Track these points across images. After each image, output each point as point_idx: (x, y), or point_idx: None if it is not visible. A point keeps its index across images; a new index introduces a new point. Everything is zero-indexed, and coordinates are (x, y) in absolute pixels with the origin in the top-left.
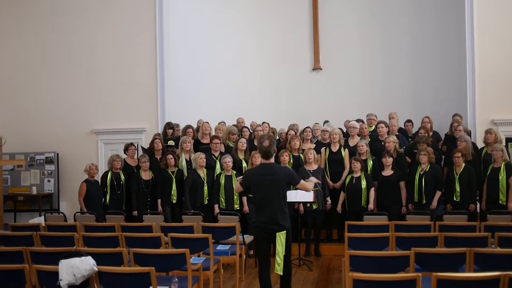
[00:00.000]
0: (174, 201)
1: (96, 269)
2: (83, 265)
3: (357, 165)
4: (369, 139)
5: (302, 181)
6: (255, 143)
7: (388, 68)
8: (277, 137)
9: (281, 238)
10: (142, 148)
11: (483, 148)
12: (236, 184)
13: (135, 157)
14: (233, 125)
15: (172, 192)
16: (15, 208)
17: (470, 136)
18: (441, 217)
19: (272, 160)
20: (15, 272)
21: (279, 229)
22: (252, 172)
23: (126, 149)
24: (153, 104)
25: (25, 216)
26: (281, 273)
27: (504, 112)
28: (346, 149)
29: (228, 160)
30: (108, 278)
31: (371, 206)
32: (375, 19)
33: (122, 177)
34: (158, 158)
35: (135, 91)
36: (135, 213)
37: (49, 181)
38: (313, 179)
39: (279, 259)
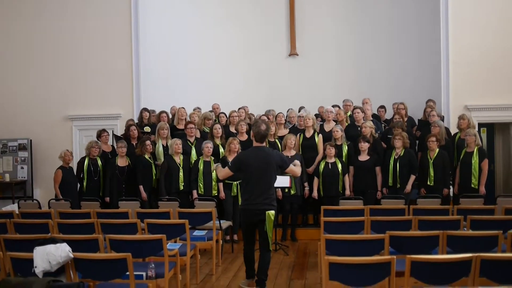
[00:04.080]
0: (155, 187)
1: (71, 255)
2: (58, 252)
3: (332, 151)
4: (347, 124)
5: (291, 165)
6: (231, 129)
7: (364, 54)
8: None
9: (271, 216)
10: (115, 135)
11: (456, 133)
12: (223, 170)
13: (109, 143)
14: (209, 111)
15: (153, 178)
16: None
17: (443, 122)
18: (415, 201)
19: (264, 144)
20: None
21: (270, 208)
22: (246, 156)
23: (99, 136)
24: (128, 90)
25: None
26: (270, 250)
27: (477, 98)
28: (320, 135)
29: (210, 146)
30: (84, 265)
31: (347, 192)
32: (352, 5)
33: (100, 163)
34: (134, 144)
35: (110, 77)
36: (107, 199)
37: (22, 168)
38: (297, 163)
39: (269, 237)
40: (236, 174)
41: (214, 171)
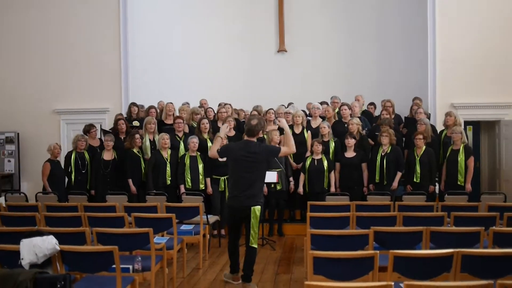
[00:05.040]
0: (144, 180)
1: (58, 248)
2: (45, 244)
3: (319, 147)
4: (334, 120)
5: (283, 149)
6: (219, 125)
7: (352, 51)
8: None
9: (256, 212)
10: (103, 130)
11: (442, 130)
12: (214, 147)
13: (97, 138)
14: (198, 107)
15: (143, 172)
16: None
17: (430, 119)
18: (401, 197)
19: (255, 139)
20: None
21: (255, 204)
22: (233, 147)
23: (87, 131)
24: (117, 84)
25: None
26: (256, 246)
27: (463, 96)
28: (309, 131)
29: (195, 141)
30: (70, 257)
31: (332, 188)
32: (340, 2)
33: (87, 157)
34: (122, 138)
35: (98, 71)
36: (93, 192)
37: (9, 161)
38: (283, 121)
39: (254, 232)
40: (222, 158)
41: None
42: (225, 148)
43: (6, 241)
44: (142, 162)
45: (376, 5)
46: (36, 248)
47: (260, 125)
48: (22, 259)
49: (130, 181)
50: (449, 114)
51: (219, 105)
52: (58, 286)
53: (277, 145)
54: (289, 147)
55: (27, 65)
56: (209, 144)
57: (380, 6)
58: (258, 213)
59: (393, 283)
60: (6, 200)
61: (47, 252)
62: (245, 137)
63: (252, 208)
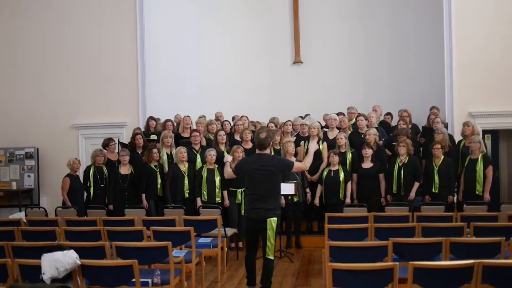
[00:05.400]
0: (160, 195)
1: (79, 262)
2: (65, 259)
3: (335, 159)
4: (350, 132)
5: (296, 163)
6: (235, 137)
7: (368, 61)
8: None
9: (272, 224)
10: (121, 143)
11: (461, 140)
12: (227, 169)
13: (116, 152)
14: (213, 119)
15: (158, 186)
16: None
17: (447, 129)
18: (419, 208)
19: (267, 151)
20: None
21: (271, 216)
22: (247, 162)
23: (106, 145)
24: (134, 98)
25: (4, 212)
26: (273, 258)
27: (480, 104)
28: (325, 143)
29: (213, 153)
30: (91, 271)
31: (348, 199)
32: (355, 12)
33: (105, 171)
34: (139, 152)
35: (116, 85)
36: (111, 207)
37: (29, 176)
38: (313, 144)
39: (270, 244)
40: (238, 176)
41: (218, 177)
42: (239, 164)
43: (28, 256)
44: (159, 177)
45: (392, 15)
46: (57, 262)
47: (270, 137)
48: (44, 273)
49: (143, 196)
50: (466, 124)
51: (233, 118)
52: None
53: (293, 157)
54: (304, 163)
55: (45, 81)
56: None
57: (395, 16)
58: (274, 225)
59: None
60: (26, 215)
61: (68, 266)
62: (257, 151)
63: (268, 220)
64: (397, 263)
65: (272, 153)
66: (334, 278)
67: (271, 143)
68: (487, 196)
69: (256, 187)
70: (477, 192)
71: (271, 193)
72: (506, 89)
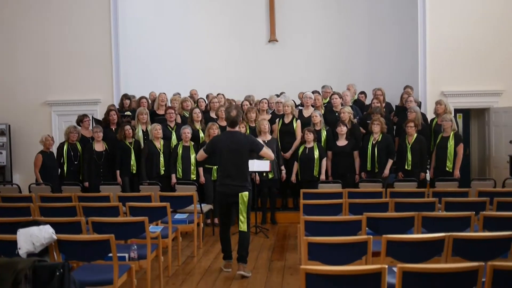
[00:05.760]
0: (134, 172)
1: (55, 237)
2: (41, 234)
3: (310, 136)
4: (323, 110)
5: (264, 149)
6: (211, 115)
7: (343, 40)
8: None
9: (243, 198)
10: (95, 119)
11: (433, 119)
12: (200, 151)
13: (90, 128)
14: (188, 96)
15: (132, 163)
16: None
17: (420, 108)
18: (392, 184)
19: (237, 128)
20: None
21: (242, 190)
22: (219, 139)
23: (80, 121)
24: (108, 76)
25: None
26: (246, 230)
27: (453, 84)
28: (298, 120)
29: (187, 131)
30: (67, 246)
31: (322, 176)
32: None
33: (79, 148)
34: (113, 129)
35: (89, 62)
36: (86, 184)
37: (1, 153)
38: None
39: (243, 217)
40: (211, 156)
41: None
42: (210, 144)
43: (3, 231)
44: (133, 154)
45: None
46: (33, 237)
47: (240, 114)
48: (19, 248)
49: (117, 172)
50: (439, 103)
51: (207, 96)
52: (57, 273)
53: (268, 134)
54: (269, 155)
55: (18, 57)
56: (201, 134)
57: None
58: (246, 199)
59: (386, 266)
60: None
61: (44, 241)
62: (228, 128)
63: (240, 194)
64: (371, 236)
65: (247, 131)
66: (310, 251)
67: (241, 120)
68: (457, 173)
69: (227, 164)
70: (447, 169)
71: (241, 170)
72: (477, 69)
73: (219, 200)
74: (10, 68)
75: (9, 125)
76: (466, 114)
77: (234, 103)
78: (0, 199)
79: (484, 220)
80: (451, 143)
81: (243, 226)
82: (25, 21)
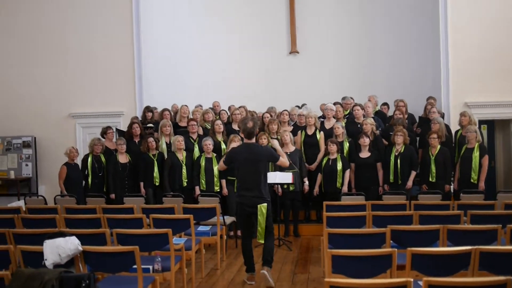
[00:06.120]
0: (157, 184)
1: (80, 248)
2: (67, 245)
3: (333, 147)
4: (344, 122)
5: (281, 158)
6: (233, 127)
7: (364, 52)
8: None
9: (262, 209)
10: (119, 130)
11: (458, 130)
12: (220, 162)
13: (114, 140)
14: (209, 108)
15: (154, 175)
16: None
17: (444, 119)
18: (416, 197)
19: (254, 140)
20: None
21: (261, 202)
22: (237, 151)
23: (104, 133)
24: (131, 88)
25: (3, 201)
26: (263, 241)
27: (477, 95)
28: (322, 132)
29: (209, 142)
30: (93, 257)
31: (345, 188)
32: (352, 3)
33: (103, 160)
34: (136, 141)
35: (112, 75)
36: (113, 196)
37: (27, 165)
38: (275, 141)
39: (261, 229)
40: (229, 167)
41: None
42: (229, 155)
43: (29, 243)
44: (156, 166)
45: (388, 5)
46: (59, 248)
47: (257, 125)
48: (46, 259)
49: (141, 184)
50: (463, 114)
51: (229, 108)
52: (83, 285)
53: (290, 145)
54: (285, 163)
55: (43, 70)
56: (223, 146)
57: (393, 5)
58: (264, 211)
59: (412, 280)
60: (25, 203)
61: (70, 252)
62: (245, 140)
63: (258, 206)
64: (396, 249)
65: (269, 142)
66: (334, 264)
67: (257, 131)
68: (482, 185)
69: (245, 175)
70: (472, 181)
71: (258, 181)
72: (502, 80)
73: (238, 212)
74: (35, 81)
75: (35, 138)
76: (491, 125)
77: (255, 115)
78: (26, 211)
79: None
80: (475, 154)
81: (261, 238)
82: (49, 33)
